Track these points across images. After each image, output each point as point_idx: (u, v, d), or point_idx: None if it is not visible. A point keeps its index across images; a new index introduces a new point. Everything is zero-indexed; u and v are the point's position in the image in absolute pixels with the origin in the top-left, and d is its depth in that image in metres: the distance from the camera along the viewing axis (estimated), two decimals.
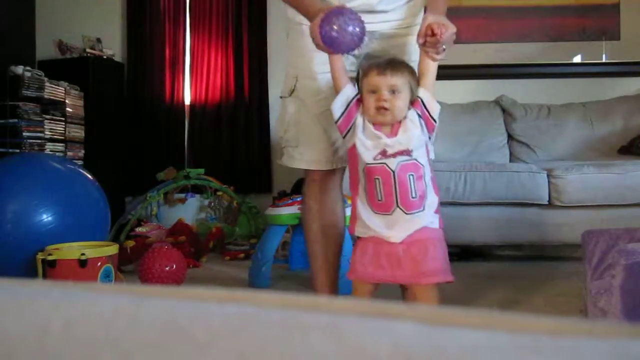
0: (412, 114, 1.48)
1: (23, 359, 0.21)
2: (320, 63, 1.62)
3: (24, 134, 3.04)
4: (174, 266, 2.48)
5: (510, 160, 3.54)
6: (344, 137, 1.54)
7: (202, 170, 3.63)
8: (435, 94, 1.54)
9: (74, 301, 0.23)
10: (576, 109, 3.65)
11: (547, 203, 2.93)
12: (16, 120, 3.02)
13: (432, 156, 1.68)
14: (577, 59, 3.92)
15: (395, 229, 1.46)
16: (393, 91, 1.44)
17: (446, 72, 3.97)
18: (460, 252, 3.26)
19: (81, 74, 3.62)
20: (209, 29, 4.02)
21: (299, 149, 1.75)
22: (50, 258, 2.06)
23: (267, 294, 0.26)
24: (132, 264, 2.84)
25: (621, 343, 0.21)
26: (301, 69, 1.70)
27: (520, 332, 0.21)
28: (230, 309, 0.23)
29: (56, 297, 0.24)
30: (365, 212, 1.50)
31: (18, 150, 2.99)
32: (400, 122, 1.47)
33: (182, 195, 3.74)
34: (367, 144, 1.47)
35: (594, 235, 1.59)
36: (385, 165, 1.45)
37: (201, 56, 4.04)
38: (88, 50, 3.83)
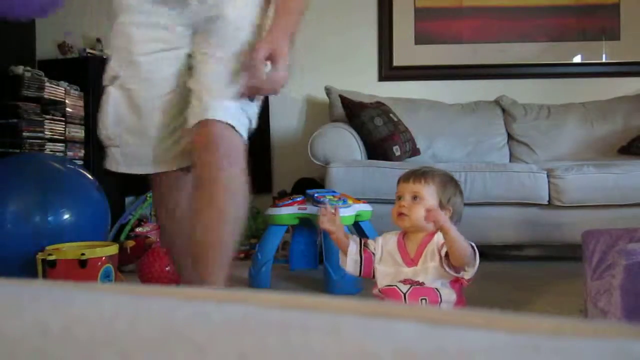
0: (436, 242, 1.45)
1: (23, 359, 0.21)
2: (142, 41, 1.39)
3: (24, 134, 3.04)
4: None
5: (510, 161, 3.54)
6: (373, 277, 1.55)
7: None
8: (463, 257, 1.40)
9: (74, 301, 0.23)
10: (576, 109, 3.65)
11: (547, 203, 2.93)
12: (16, 120, 3.02)
13: (236, 124, 1.37)
14: (577, 59, 3.92)
15: None
16: (415, 197, 1.47)
17: (446, 72, 4.00)
18: None
19: (81, 74, 3.62)
20: None
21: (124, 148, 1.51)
22: (50, 258, 2.06)
23: (267, 294, 0.26)
24: (132, 264, 2.84)
25: (622, 343, 0.21)
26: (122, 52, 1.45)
27: (521, 333, 0.21)
28: (230, 309, 0.23)
29: (56, 297, 0.24)
30: None
31: (18, 150, 2.99)
32: (426, 243, 1.47)
33: None
34: (387, 272, 1.49)
35: (593, 235, 1.59)
36: (396, 288, 1.43)
37: None
38: (88, 50, 3.83)
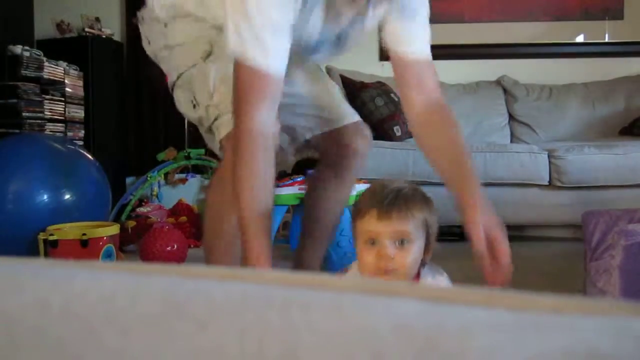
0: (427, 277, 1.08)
1: (24, 336, 0.21)
2: None
3: (24, 114, 3.03)
4: (175, 246, 2.49)
5: (511, 141, 3.53)
6: None
7: (202, 151, 3.62)
8: None
9: (74, 279, 0.23)
10: (578, 90, 3.64)
11: (547, 184, 2.93)
12: (15, 100, 3.01)
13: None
14: (580, 38, 3.89)
15: None
16: (402, 241, 0.99)
17: (447, 52, 3.96)
18: (461, 232, 3.26)
19: (80, 54, 3.60)
20: None
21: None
22: (51, 238, 2.06)
23: (268, 272, 0.26)
24: (134, 244, 2.85)
25: (622, 320, 0.21)
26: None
27: (521, 310, 0.21)
28: (231, 287, 0.23)
29: (56, 275, 0.24)
30: None
31: (18, 131, 2.98)
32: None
33: (183, 176, 3.74)
34: None
35: (593, 216, 1.59)
36: None
37: None
38: (87, 29, 3.80)
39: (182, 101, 1.50)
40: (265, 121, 1.19)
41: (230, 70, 1.28)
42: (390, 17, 1.34)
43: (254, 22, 1.14)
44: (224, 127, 1.35)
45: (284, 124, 1.56)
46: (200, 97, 1.43)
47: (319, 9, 1.26)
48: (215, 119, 1.40)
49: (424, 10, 1.36)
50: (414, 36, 1.34)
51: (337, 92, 1.67)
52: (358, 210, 1.02)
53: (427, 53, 1.36)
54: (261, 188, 1.18)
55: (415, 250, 1.00)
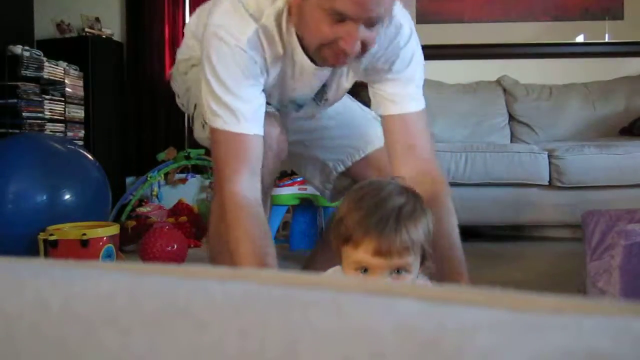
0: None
1: (23, 336, 0.21)
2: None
3: (24, 114, 3.03)
4: (175, 246, 2.49)
5: (511, 141, 3.53)
6: None
7: (202, 151, 3.62)
8: None
9: (74, 278, 0.23)
10: (578, 90, 3.64)
11: (547, 184, 2.93)
12: (15, 100, 3.01)
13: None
14: (580, 38, 3.89)
15: None
16: (398, 270, 0.87)
17: (447, 52, 3.97)
18: (461, 233, 3.26)
19: (80, 54, 3.60)
20: None
21: None
22: (51, 238, 2.06)
23: (268, 272, 0.26)
24: (134, 244, 2.85)
25: (623, 321, 0.21)
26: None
27: (522, 310, 0.21)
28: (231, 287, 0.23)
29: (56, 274, 0.24)
30: None
31: (18, 131, 2.98)
32: None
33: (183, 176, 3.74)
34: None
35: (594, 215, 1.59)
36: None
37: None
38: (87, 29, 3.80)
39: (197, 128, 1.54)
40: (249, 186, 1.21)
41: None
42: (381, 84, 1.32)
43: (220, 95, 1.20)
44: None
45: (315, 161, 1.57)
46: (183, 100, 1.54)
47: (286, 73, 1.29)
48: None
49: (420, 74, 1.34)
50: (408, 98, 1.32)
51: (365, 117, 1.58)
52: (348, 235, 0.87)
53: (416, 109, 1.32)
54: (256, 249, 1.16)
55: (411, 278, 0.89)
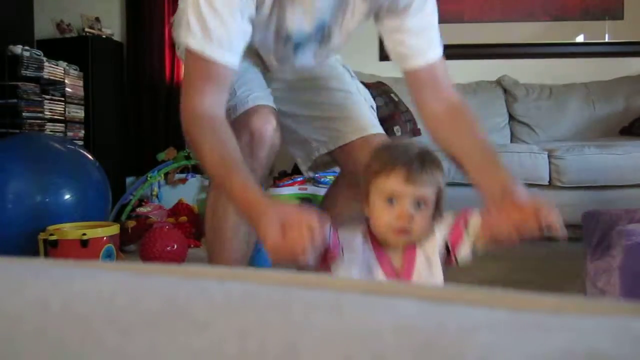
0: (434, 248, 1.05)
1: (24, 336, 0.21)
2: None
3: (24, 114, 3.03)
4: (175, 246, 2.49)
5: (511, 141, 3.53)
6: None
7: None
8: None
9: (74, 279, 0.23)
10: (578, 90, 3.64)
11: (547, 183, 2.93)
12: (16, 100, 3.01)
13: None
14: (580, 38, 3.89)
15: None
16: (419, 203, 1.00)
17: (447, 52, 3.95)
18: None
19: (80, 54, 3.60)
20: None
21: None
22: (51, 238, 2.06)
23: (268, 272, 0.26)
24: (134, 244, 2.85)
25: (622, 321, 0.21)
26: None
27: (523, 310, 0.21)
28: (231, 287, 0.23)
29: (56, 274, 0.24)
30: None
31: (18, 131, 2.98)
32: (413, 249, 1.05)
33: (183, 176, 3.74)
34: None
35: (594, 215, 1.59)
36: None
37: None
38: (87, 29, 3.80)
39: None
40: (211, 104, 1.17)
41: None
42: (397, 33, 1.30)
43: (203, 15, 1.16)
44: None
45: (301, 137, 1.55)
46: None
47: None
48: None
49: (434, 17, 1.33)
50: (426, 47, 1.31)
51: (358, 103, 1.54)
52: (381, 166, 1.01)
53: (439, 55, 1.32)
54: (223, 150, 1.14)
55: (428, 215, 1.02)
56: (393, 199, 1.00)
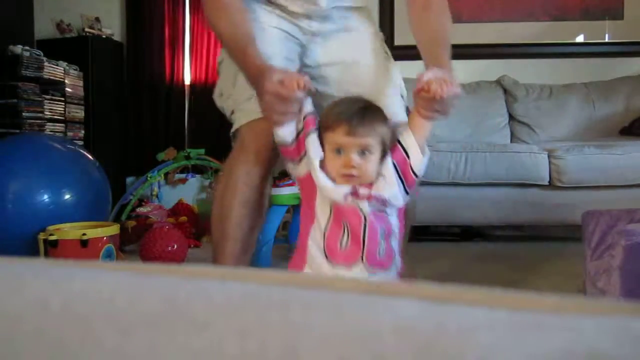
0: (387, 169, 1.20)
1: (24, 336, 0.21)
2: None
3: (24, 114, 3.03)
4: (175, 246, 2.49)
5: (511, 141, 3.53)
6: (296, 162, 1.24)
7: (202, 151, 3.63)
8: (426, 157, 1.24)
9: (74, 279, 0.23)
10: (578, 90, 3.64)
11: (547, 184, 2.93)
12: (15, 100, 3.01)
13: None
14: (580, 38, 3.89)
15: None
16: (363, 151, 1.17)
17: None
18: (461, 233, 3.27)
19: (80, 54, 3.60)
20: None
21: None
22: (51, 238, 2.06)
23: (268, 272, 0.26)
24: (134, 244, 2.85)
25: (622, 321, 0.21)
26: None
27: (522, 310, 0.21)
28: (231, 287, 0.23)
29: (56, 274, 0.24)
30: (318, 260, 1.21)
31: (18, 131, 2.98)
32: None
33: (183, 176, 3.74)
34: (332, 186, 1.19)
35: (594, 215, 1.59)
36: (357, 209, 1.18)
37: (201, 35, 4.01)
38: (87, 29, 3.80)
39: (215, 91, 1.60)
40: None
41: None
42: None
43: None
44: (237, 121, 1.45)
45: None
46: (225, 87, 1.53)
47: None
48: (232, 112, 1.48)
49: None
50: None
51: (388, 89, 1.54)
52: (328, 124, 1.19)
53: None
54: (235, 29, 1.36)
55: (374, 160, 1.19)
56: (340, 149, 1.17)
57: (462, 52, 3.84)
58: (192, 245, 2.95)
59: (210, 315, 0.21)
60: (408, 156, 1.21)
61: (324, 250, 1.21)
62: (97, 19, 3.92)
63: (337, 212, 1.20)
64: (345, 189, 1.18)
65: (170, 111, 4.01)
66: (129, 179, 3.94)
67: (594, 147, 2.95)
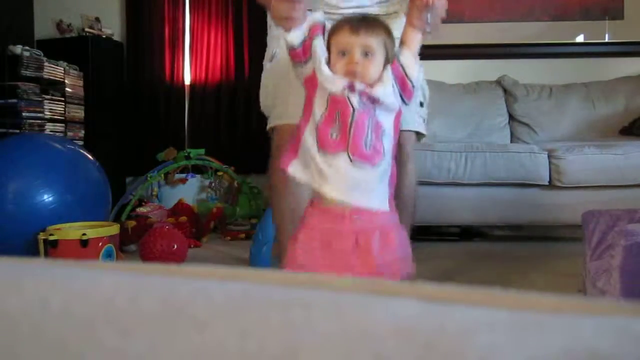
0: (386, 75, 1.28)
1: (23, 336, 0.21)
2: None
3: (24, 114, 3.03)
4: (175, 246, 2.49)
5: (511, 141, 3.53)
6: (303, 64, 1.32)
7: (202, 151, 3.63)
8: (418, 66, 1.33)
9: (74, 279, 0.23)
10: (578, 90, 3.64)
11: (547, 184, 2.93)
12: (15, 100, 3.01)
13: (421, 129, 1.65)
14: (580, 38, 3.89)
15: (333, 181, 1.23)
16: (366, 53, 1.25)
17: (447, 52, 3.96)
18: (461, 232, 3.27)
19: (80, 54, 3.60)
20: (208, 7, 3.98)
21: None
22: (51, 238, 2.06)
23: (268, 272, 0.26)
24: (134, 244, 2.85)
25: (622, 321, 0.21)
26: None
27: (521, 310, 0.21)
28: (232, 287, 0.23)
29: (56, 274, 0.24)
30: (312, 150, 1.26)
31: (18, 131, 2.98)
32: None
33: (183, 176, 3.74)
34: (332, 76, 1.27)
35: (594, 215, 1.59)
36: (348, 100, 1.24)
37: (201, 35, 4.01)
38: (87, 29, 3.80)
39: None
40: None
41: (282, 76, 1.56)
42: None
43: None
44: (269, 123, 1.65)
45: None
46: (262, 93, 1.71)
47: None
48: (268, 116, 1.67)
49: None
50: None
51: (410, 111, 1.58)
52: (334, 28, 1.29)
53: None
54: None
55: (376, 61, 1.26)
56: (345, 51, 1.25)
57: (462, 51, 3.86)
58: (192, 245, 2.95)
59: (210, 315, 0.21)
60: (406, 73, 1.30)
61: (317, 139, 1.28)
62: (97, 19, 3.92)
63: (332, 103, 1.27)
64: (344, 81, 1.26)
65: (170, 111, 4.01)
66: (129, 179, 3.94)
67: (594, 147, 2.95)
